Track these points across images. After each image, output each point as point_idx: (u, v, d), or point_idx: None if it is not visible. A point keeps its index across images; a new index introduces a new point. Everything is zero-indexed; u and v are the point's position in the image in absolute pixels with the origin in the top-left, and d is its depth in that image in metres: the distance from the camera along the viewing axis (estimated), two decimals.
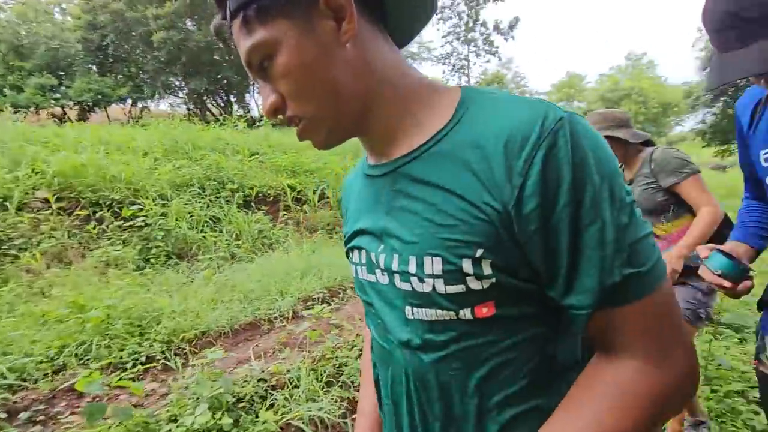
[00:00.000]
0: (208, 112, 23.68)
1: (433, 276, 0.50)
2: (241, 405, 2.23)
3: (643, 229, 0.47)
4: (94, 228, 5.11)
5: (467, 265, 0.48)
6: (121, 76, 21.13)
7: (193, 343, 3.34)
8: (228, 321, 3.63)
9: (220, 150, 7.89)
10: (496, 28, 22.33)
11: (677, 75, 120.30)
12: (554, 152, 0.44)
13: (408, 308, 0.54)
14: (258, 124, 12.19)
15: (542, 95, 47.38)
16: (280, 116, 0.54)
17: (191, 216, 5.90)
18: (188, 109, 24.69)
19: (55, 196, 5.25)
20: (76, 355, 2.95)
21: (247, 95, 25.88)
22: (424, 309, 0.53)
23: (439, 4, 22.45)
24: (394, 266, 0.54)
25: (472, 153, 0.48)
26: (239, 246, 5.85)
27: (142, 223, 5.39)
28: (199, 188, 6.54)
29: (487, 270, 0.48)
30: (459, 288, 0.49)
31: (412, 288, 0.52)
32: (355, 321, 3.49)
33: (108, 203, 5.58)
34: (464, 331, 0.51)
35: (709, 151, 28.03)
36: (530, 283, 0.49)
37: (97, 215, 5.41)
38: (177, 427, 1.82)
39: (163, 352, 3.19)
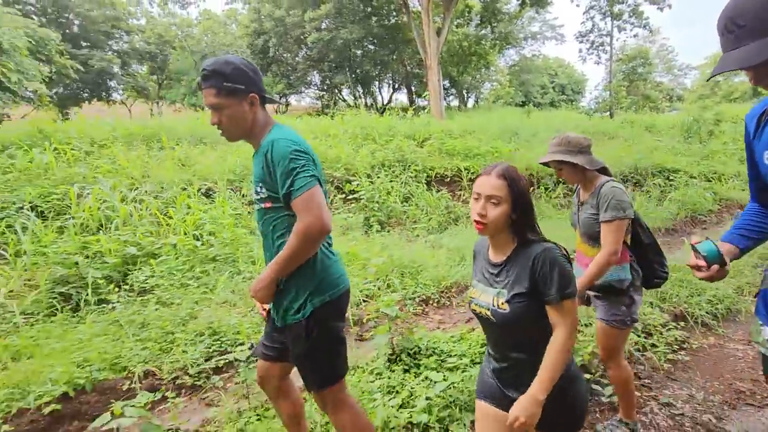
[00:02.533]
0: (342, 102, 25.94)
1: (254, 192, 1.56)
2: None
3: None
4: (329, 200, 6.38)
5: (259, 189, 1.50)
6: (270, 74, 24.24)
7: (451, 290, 4.15)
8: (469, 276, 4.37)
9: (394, 136, 8.88)
10: None
11: None
12: (268, 151, 1.44)
13: (254, 206, 1.60)
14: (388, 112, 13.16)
15: (693, 69, 40.91)
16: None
17: (391, 192, 6.90)
18: (322, 102, 27.28)
19: None
20: (378, 288, 3.95)
21: (374, 86, 27.60)
22: (257, 205, 1.55)
23: None
24: (252, 192, 1.59)
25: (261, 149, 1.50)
26: (430, 219, 6.69)
27: (360, 197, 6.53)
28: (389, 169, 7.56)
29: (264, 191, 1.48)
30: (258, 196, 1.52)
31: (255, 199, 1.56)
32: None
33: (330, 180, 6.85)
34: (264, 212, 1.52)
35: None
36: (276, 195, 1.46)
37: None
38: None
39: (433, 294, 4.05)
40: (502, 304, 1.26)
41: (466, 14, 22.78)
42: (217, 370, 2.65)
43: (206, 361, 2.66)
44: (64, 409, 2.20)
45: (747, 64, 0.94)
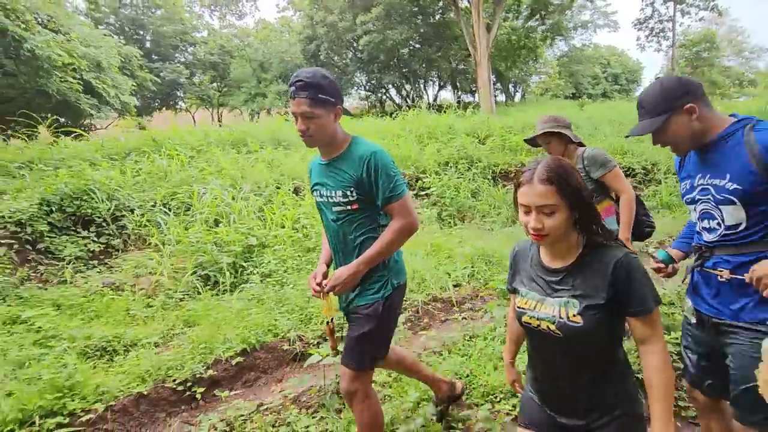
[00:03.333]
0: (390, 102, 26.45)
1: (341, 195, 1.66)
2: None
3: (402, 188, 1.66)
4: None
5: (349, 192, 1.64)
6: None
7: None
8: None
9: (456, 134, 9.17)
10: None
11: None
12: (370, 160, 1.63)
13: (333, 208, 1.70)
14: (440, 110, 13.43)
15: (767, 51, 37.56)
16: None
17: (460, 188, 7.22)
18: (369, 102, 27.93)
19: None
20: (467, 274, 4.32)
21: (420, 84, 27.84)
22: (338, 207, 1.69)
23: None
24: (331, 194, 1.70)
25: (355, 159, 1.65)
26: (499, 213, 6.94)
27: (432, 193, 6.92)
28: (455, 166, 7.88)
29: (354, 195, 1.64)
30: (346, 199, 1.65)
31: (334, 201, 1.70)
32: None
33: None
34: (348, 213, 1.68)
35: None
36: (368, 198, 1.65)
37: None
38: None
39: None
40: (574, 316, 1.11)
41: (515, 8, 22.48)
42: None
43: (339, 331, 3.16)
44: (244, 362, 2.76)
45: (642, 133, 1.51)
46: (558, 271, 1.18)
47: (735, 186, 1.39)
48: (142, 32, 22.83)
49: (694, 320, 1.59)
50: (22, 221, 4.14)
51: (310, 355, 2.42)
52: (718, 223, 1.47)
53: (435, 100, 28.05)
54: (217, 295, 3.91)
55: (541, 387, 1.25)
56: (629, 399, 1.16)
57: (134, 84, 14.64)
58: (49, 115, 8.20)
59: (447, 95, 31.02)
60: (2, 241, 3.90)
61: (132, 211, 4.92)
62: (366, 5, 19.99)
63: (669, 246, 1.80)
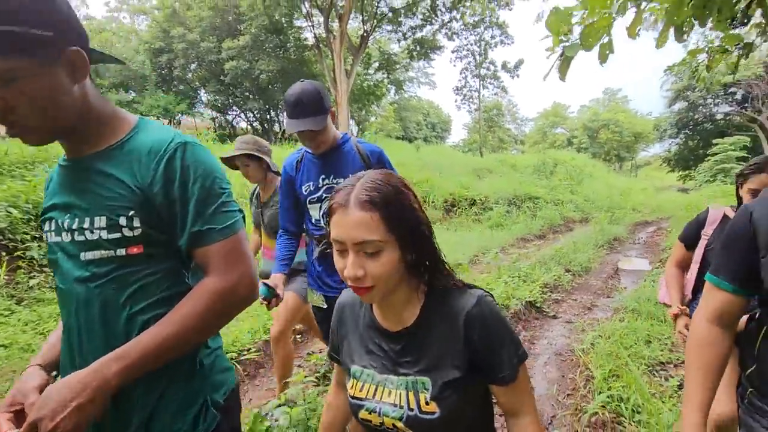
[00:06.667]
0: (248, 126, 26.58)
1: (104, 226, 0.78)
2: None
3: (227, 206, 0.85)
4: None
5: (125, 220, 0.78)
6: (172, 93, 23.78)
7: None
8: None
9: None
10: (504, 66, 26.44)
11: (645, 107, 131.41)
12: (173, 158, 0.80)
13: (85, 254, 0.81)
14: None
15: (530, 121, 52.49)
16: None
17: None
18: (215, 123, 27.47)
19: None
20: None
21: (276, 112, 28.95)
22: (95, 251, 0.80)
23: (456, 43, 26.50)
24: (80, 225, 0.80)
25: (141, 154, 0.81)
26: None
27: None
28: None
29: (136, 224, 0.79)
30: (117, 234, 0.79)
31: (86, 238, 0.80)
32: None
33: None
34: (120, 263, 0.80)
35: (674, 175, 32.91)
36: (165, 234, 0.82)
37: None
38: None
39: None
40: (428, 404, 0.76)
41: (367, 60, 26.29)
42: None
43: None
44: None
45: (315, 128, 1.60)
46: (398, 335, 0.83)
47: None
48: None
49: (325, 305, 1.77)
50: (1, 228, 4.03)
51: None
52: None
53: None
54: None
55: None
56: None
57: None
58: None
59: None
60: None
61: None
62: (230, 31, 20.35)
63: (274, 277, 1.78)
